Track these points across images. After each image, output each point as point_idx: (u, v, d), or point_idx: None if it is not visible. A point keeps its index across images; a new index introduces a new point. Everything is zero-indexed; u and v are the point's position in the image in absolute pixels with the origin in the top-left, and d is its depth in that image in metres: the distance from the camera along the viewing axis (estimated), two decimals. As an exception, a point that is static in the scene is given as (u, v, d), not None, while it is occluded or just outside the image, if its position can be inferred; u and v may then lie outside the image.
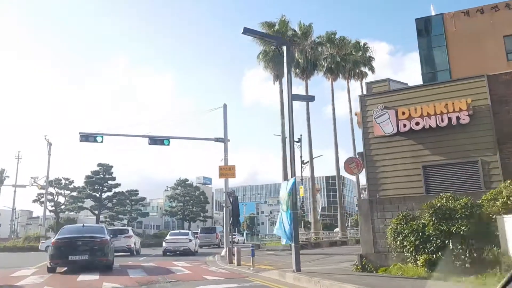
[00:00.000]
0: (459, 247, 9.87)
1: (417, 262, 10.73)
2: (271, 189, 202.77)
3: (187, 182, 76.95)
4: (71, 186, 63.40)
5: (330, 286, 9.64)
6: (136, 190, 70.60)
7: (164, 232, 75.91)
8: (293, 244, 13.03)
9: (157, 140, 24.32)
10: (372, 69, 47.28)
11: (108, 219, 67.10)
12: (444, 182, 13.85)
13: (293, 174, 13.42)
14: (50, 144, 52.08)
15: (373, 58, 46.92)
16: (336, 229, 50.00)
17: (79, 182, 64.43)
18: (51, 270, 14.54)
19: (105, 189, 62.25)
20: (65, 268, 15.19)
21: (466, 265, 9.69)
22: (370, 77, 49.83)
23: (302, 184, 38.34)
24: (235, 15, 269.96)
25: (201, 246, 36.87)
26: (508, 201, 9.98)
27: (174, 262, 19.82)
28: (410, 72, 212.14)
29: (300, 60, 33.11)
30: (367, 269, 13.06)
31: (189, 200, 74.57)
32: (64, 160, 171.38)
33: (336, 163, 35.42)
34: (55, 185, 62.63)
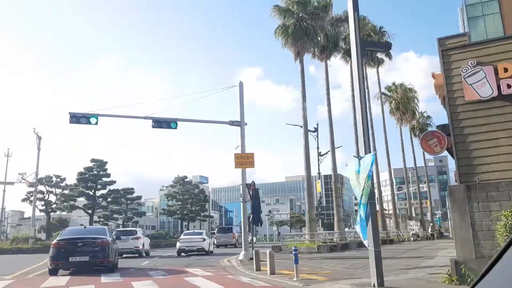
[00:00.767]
0: None
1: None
2: (269, 188, 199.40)
3: (186, 180, 72.86)
4: (62, 184, 59.37)
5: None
6: (132, 188, 66.58)
7: (162, 232, 72.09)
8: (371, 249, 9.20)
9: (162, 123, 20.45)
10: (389, 56, 43.82)
11: (102, 219, 63.07)
12: None
13: (367, 150, 9.67)
14: (39, 138, 48.36)
15: (391, 43, 43.30)
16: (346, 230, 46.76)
17: (71, 180, 60.50)
18: (53, 272, 14.30)
19: (99, 186, 58.09)
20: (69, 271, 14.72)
21: None
22: (387, 65, 46.49)
23: (319, 178, 34.62)
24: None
25: (218, 246, 37.22)
26: None
27: (190, 269, 16.03)
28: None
29: (319, 38, 29.46)
30: (467, 281, 9.44)
31: (188, 199, 70.39)
32: (55, 157, 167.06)
33: (357, 152, 31.68)
34: (45, 183, 58.62)
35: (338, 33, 31.49)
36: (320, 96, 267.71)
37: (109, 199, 60.72)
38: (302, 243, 24.92)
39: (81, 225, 19.72)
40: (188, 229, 75.69)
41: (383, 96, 46.91)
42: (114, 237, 19.68)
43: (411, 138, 58.07)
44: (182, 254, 26.64)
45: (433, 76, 12.96)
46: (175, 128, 20.75)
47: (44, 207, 59.17)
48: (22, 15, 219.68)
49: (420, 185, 64.27)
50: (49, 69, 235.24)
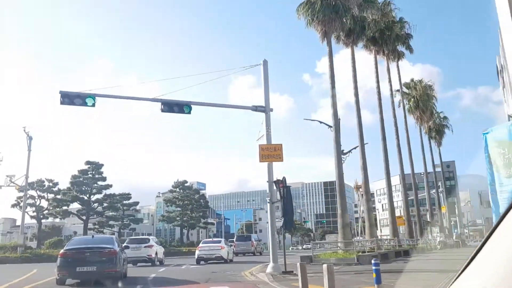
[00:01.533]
0: None
1: None
2: (264, 195, 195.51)
3: (186, 184, 68.94)
4: (55, 189, 55.59)
5: None
6: (129, 194, 62.85)
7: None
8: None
9: (173, 106, 16.84)
10: (410, 49, 40.36)
11: (97, 226, 59.17)
12: None
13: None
14: (30, 138, 44.78)
15: (411, 36, 39.97)
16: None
17: (65, 184, 56.61)
18: (60, 282, 14.16)
19: (94, 190, 54.27)
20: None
21: None
22: (408, 58, 43.15)
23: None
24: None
25: (237, 254, 37.68)
26: None
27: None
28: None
29: (345, 21, 26.08)
30: None
31: (188, 204, 66.43)
32: (48, 160, 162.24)
33: (385, 154, 28.20)
34: (37, 188, 54.89)
35: (363, 18, 28.10)
36: (315, 104, 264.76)
37: (105, 205, 56.92)
38: (335, 253, 21.27)
39: (90, 235, 19.98)
40: (188, 238, 72.02)
41: (400, 93, 43.44)
42: (123, 246, 19.45)
43: (421, 139, 53.29)
44: (201, 262, 26.77)
45: None
46: (189, 112, 17.16)
47: (35, 213, 55.39)
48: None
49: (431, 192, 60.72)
50: (41, 66, 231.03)
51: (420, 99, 45.48)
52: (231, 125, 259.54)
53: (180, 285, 14.32)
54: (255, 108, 18.02)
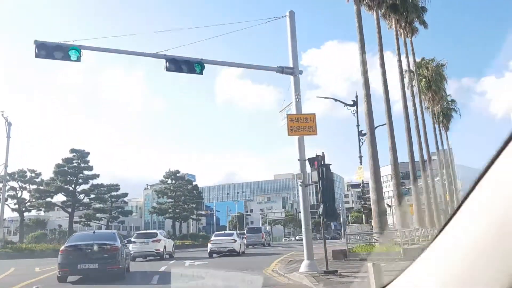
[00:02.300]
0: None
1: None
2: (257, 187, 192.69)
3: (178, 175, 65.17)
4: (38, 180, 51.53)
5: None
6: (117, 185, 58.99)
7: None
8: None
9: (182, 64, 13.24)
10: (424, 24, 37.06)
11: (83, 219, 55.33)
12: None
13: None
14: (9, 124, 41.07)
15: (426, 9, 36.59)
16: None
17: (48, 175, 52.55)
18: (62, 279, 13.82)
19: (80, 180, 50.33)
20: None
21: None
22: (422, 34, 39.91)
23: (361, 164, 27.79)
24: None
25: (247, 246, 38.17)
26: None
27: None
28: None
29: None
30: None
31: (181, 196, 62.72)
32: (29, 151, 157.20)
33: (392, 142, 24.83)
34: (18, 178, 50.79)
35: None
36: (302, 96, 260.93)
37: (91, 196, 53.04)
38: (371, 245, 18.01)
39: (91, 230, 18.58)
40: (180, 230, 68.49)
41: (411, 73, 40.21)
42: (125, 241, 19.17)
43: (424, 125, 49.46)
44: (214, 255, 26.88)
45: None
46: (200, 73, 13.60)
47: (16, 206, 51.37)
48: None
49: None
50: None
51: (432, 80, 42.32)
52: (218, 117, 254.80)
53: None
54: (281, 70, 14.53)
